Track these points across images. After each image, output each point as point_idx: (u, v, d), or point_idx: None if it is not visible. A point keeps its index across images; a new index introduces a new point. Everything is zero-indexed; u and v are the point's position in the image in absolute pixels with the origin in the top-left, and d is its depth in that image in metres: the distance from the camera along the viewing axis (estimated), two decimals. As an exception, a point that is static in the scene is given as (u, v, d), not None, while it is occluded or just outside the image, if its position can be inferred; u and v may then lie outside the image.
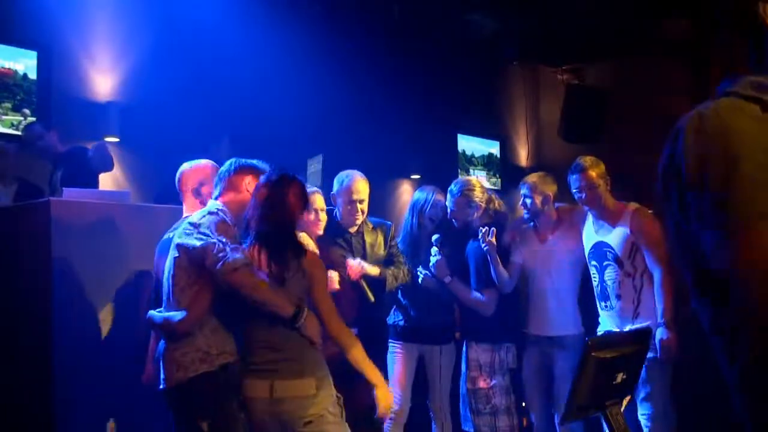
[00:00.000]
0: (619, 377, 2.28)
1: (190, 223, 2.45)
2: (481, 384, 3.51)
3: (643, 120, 6.30)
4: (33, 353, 2.91)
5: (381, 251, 3.58)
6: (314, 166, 4.99)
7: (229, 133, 4.62)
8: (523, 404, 3.74)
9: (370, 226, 3.62)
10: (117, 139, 4.48)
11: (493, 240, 3.46)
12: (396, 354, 3.83)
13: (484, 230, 3.46)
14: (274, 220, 2.49)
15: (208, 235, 2.36)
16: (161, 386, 2.48)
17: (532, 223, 3.71)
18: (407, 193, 6.37)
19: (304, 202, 2.59)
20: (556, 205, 3.65)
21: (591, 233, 3.52)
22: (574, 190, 3.50)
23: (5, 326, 2.96)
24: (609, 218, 3.46)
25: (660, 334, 3.21)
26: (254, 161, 2.70)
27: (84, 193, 3.21)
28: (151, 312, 2.54)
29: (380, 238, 3.61)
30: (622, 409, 2.37)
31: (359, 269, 3.38)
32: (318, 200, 3.29)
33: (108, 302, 3.02)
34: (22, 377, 2.93)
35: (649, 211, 3.40)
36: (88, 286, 2.95)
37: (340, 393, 2.55)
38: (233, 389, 2.44)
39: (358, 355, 2.53)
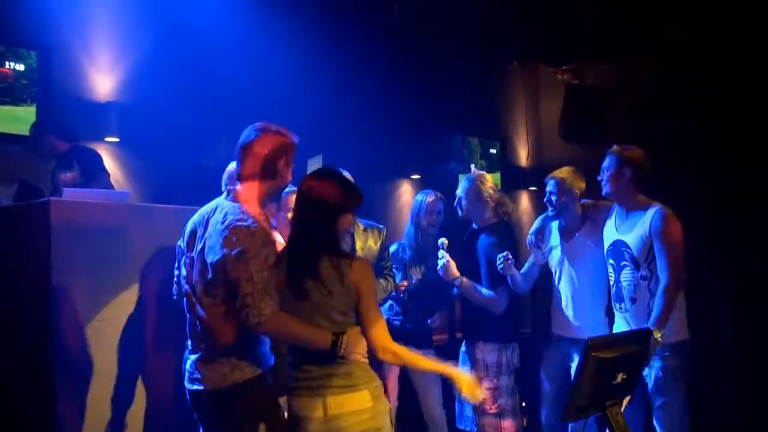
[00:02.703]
0: (619, 377, 2.28)
1: (226, 238, 2.22)
2: (486, 384, 3.50)
3: (643, 120, 6.30)
4: (33, 354, 2.90)
5: (373, 255, 3.54)
6: (314, 165, 4.98)
7: (229, 133, 4.61)
8: (523, 404, 3.74)
9: (361, 227, 3.58)
10: (117, 139, 4.49)
11: (511, 265, 3.43)
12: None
13: (501, 259, 3.41)
14: (308, 221, 2.31)
15: (239, 256, 2.18)
16: (199, 387, 2.35)
17: (557, 220, 3.65)
18: (407, 193, 6.37)
19: (349, 197, 2.35)
20: (582, 201, 3.59)
21: (612, 230, 3.42)
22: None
23: (5, 326, 2.95)
24: (632, 216, 3.33)
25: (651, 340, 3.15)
26: (278, 128, 2.43)
27: (84, 193, 3.21)
28: (190, 289, 2.38)
29: (371, 241, 3.57)
30: (623, 409, 2.37)
31: None
32: None
33: (108, 302, 3.01)
34: (21, 378, 2.93)
35: (671, 213, 3.26)
36: (88, 287, 2.93)
37: None
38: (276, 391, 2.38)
39: (414, 360, 2.39)
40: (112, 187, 4.01)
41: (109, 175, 3.99)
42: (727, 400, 4.56)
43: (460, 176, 6.64)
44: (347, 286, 2.27)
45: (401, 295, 3.82)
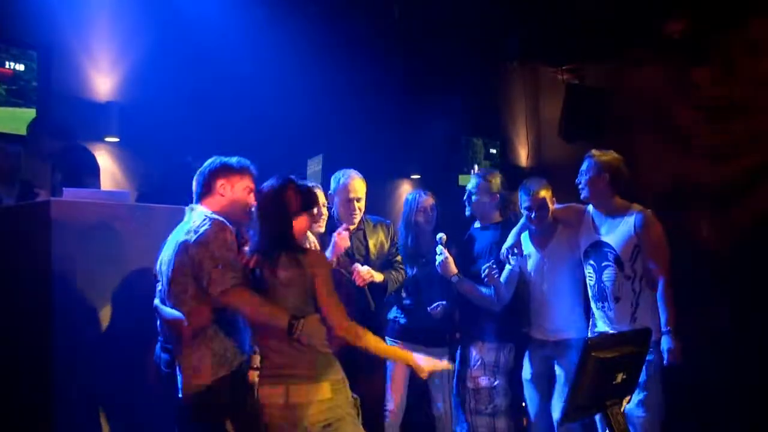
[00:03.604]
0: (619, 377, 2.29)
1: (188, 230, 2.46)
2: (483, 383, 3.50)
3: (643, 120, 6.30)
4: (33, 354, 2.91)
5: (385, 250, 3.60)
6: (314, 166, 4.99)
7: (230, 133, 4.61)
8: (524, 404, 3.75)
9: (371, 224, 3.63)
10: (117, 139, 4.49)
11: (495, 275, 3.45)
12: None
13: (486, 270, 3.43)
14: (267, 225, 2.50)
15: (205, 244, 2.39)
16: (179, 395, 2.48)
17: (530, 228, 3.68)
18: (407, 193, 6.37)
19: (303, 200, 2.56)
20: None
21: (590, 232, 3.48)
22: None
23: (5, 327, 2.96)
24: (612, 218, 3.41)
25: (666, 343, 3.19)
26: (231, 160, 2.66)
27: (84, 193, 3.21)
28: (158, 303, 2.53)
29: (382, 236, 3.63)
30: (622, 409, 2.38)
31: (368, 277, 3.37)
32: (320, 197, 3.31)
33: (108, 302, 3.01)
34: (21, 378, 2.93)
35: (652, 215, 3.36)
36: (88, 287, 2.94)
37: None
38: (246, 384, 2.44)
39: (372, 343, 2.49)
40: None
41: (98, 179, 3.97)
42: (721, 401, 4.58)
43: (460, 177, 6.68)
44: (304, 275, 2.44)
45: (437, 316, 3.75)
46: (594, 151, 3.46)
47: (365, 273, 3.38)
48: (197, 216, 2.53)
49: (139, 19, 4.73)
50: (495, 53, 6.96)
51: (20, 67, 4.14)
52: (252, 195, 2.66)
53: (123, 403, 3.01)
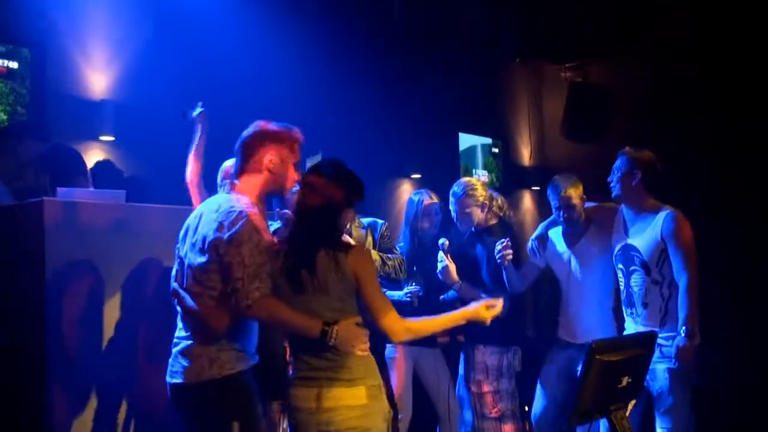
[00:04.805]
0: (625, 381, 2.27)
1: (221, 223, 2.27)
2: (486, 388, 3.49)
3: (647, 118, 6.29)
4: (27, 355, 2.90)
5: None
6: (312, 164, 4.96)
7: (228, 131, 4.59)
8: (526, 408, 3.73)
9: (359, 231, 3.56)
10: (112, 138, 4.46)
11: (510, 252, 3.41)
12: (395, 359, 3.84)
13: (503, 243, 3.40)
14: (307, 218, 2.33)
15: (236, 243, 2.23)
16: (178, 380, 2.37)
17: (560, 226, 3.64)
18: (407, 192, 6.34)
19: (350, 192, 2.36)
20: (585, 205, 3.56)
21: (620, 234, 3.41)
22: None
23: (-1, 329, 2.95)
24: (642, 219, 3.33)
25: (678, 341, 3.13)
26: (280, 127, 2.46)
27: (78, 193, 3.19)
28: (178, 288, 2.41)
29: (369, 241, 3.56)
30: (628, 414, 2.36)
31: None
32: None
33: (103, 303, 3.00)
34: (16, 379, 2.92)
35: (682, 215, 3.27)
36: (82, 288, 2.93)
37: None
38: (257, 389, 2.39)
39: (430, 325, 2.41)
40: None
41: (87, 179, 3.94)
42: (734, 406, 4.56)
43: (461, 176, 6.66)
44: (343, 274, 2.28)
45: (414, 303, 3.78)
46: (628, 148, 3.39)
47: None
48: (234, 202, 2.33)
49: (135, 16, 4.71)
50: (497, 50, 6.94)
51: (14, 65, 4.11)
52: (296, 170, 2.48)
53: (117, 403, 2.99)
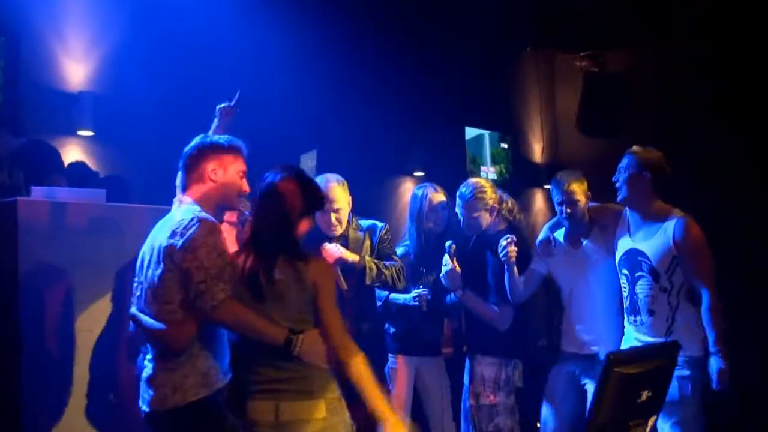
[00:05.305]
0: (644, 395, 2.26)
1: (174, 231, 2.40)
2: (484, 401, 3.50)
3: (666, 111, 6.28)
4: (0, 359, 2.92)
5: (365, 254, 3.51)
6: (308, 162, 4.97)
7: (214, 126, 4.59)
8: (538, 425, 3.72)
9: (357, 234, 3.54)
10: (91, 133, 4.46)
11: (515, 250, 3.41)
12: (395, 369, 3.85)
13: (508, 239, 3.40)
14: (266, 225, 2.46)
15: (191, 250, 2.34)
16: (146, 408, 2.46)
17: (562, 228, 3.64)
18: (409, 191, 6.33)
19: (309, 201, 2.51)
20: (588, 205, 3.57)
21: (625, 238, 3.42)
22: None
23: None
24: (649, 224, 3.34)
25: (716, 363, 3.14)
26: (220, 139, 2.62)
27: (55, 192, 3.19)
28: (136, 312, 2.49)
29: (367, 244, 3.54)
30: (648, 431, 2.35)
31: (336, 254, 3.32)
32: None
33: (81, 309, 3.01)
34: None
35: (692, 221, 3.28)
36: (58, 292, 2.95)
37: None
38: (226, 408, 2.43)
39: (359, 371, 2.40)
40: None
41: (64, 177, 3.95)
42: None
43: (468, 174, 6.66)
44: (304, 284, 2.41)
45: (423, 308, 3.77)
46: (635, 148, 3.39)
47: (332, 249, 3.33)
48: (184, 213, 2.46)
49: (115, 2, 4.70)
50: (507, 39, 6.94)
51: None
52: (245, 180, 2.62)
53: (94, 413, 3.02)
